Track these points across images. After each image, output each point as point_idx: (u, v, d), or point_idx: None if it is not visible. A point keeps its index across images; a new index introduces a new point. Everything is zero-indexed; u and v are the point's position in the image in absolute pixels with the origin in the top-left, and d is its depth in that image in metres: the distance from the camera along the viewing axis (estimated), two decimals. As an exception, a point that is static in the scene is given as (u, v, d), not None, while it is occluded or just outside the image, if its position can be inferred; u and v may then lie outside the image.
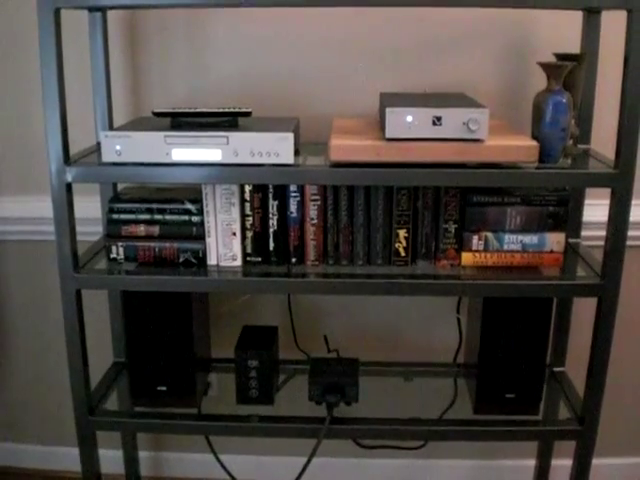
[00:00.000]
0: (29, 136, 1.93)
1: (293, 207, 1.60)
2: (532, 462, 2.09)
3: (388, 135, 1.42)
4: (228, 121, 1.56)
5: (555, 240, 1.59)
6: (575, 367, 1.86)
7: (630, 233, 1.50)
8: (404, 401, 1.81)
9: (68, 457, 2.21)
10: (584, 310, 1.86)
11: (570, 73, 1.49)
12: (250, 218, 1.61)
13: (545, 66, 1.46)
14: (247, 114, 1.54)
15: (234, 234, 1.62)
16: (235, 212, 1.60)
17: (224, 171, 1.47)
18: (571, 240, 1.77)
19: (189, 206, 1.62)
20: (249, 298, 2.02)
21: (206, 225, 1.61)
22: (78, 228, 1.55)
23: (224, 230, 1.61)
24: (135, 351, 1.73)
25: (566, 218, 1.60)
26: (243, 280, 1.59)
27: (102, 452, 1.77)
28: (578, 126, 1.65)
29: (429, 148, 1.43)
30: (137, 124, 1.61)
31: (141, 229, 1.63)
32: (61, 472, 2.24)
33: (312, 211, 1.60)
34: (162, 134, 1.46)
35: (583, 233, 1.81)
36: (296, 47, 1.83)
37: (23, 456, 2.25)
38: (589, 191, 1.79)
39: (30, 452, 2.25)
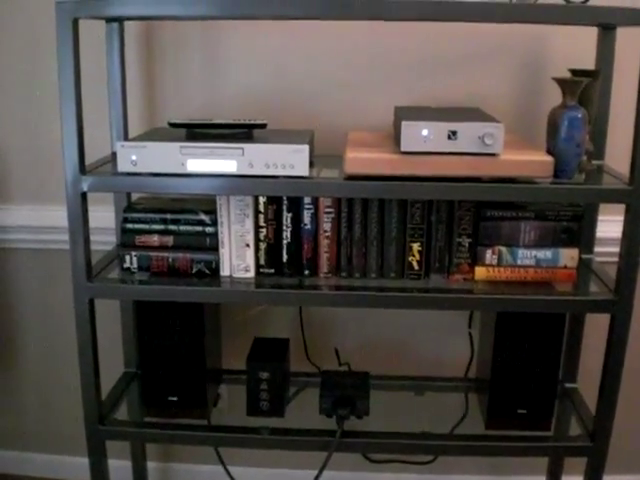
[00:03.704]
0: (45, 145, 1.94)
1: (307, 219, 1.60)
2: (542, 478, 2.08)
3: (403, 148, 1.42)
4: (243, 133, 1.56)
5: (569, 256, 1.59)
6: (587, 383, 1.85)
7: (644, 249, 1.49)
8: (415, 415, 1.81)
9: (75, 466, 2.20)
10: (597, 326, 1.85)
11: (585, 89, 1.49)
12: (264, 230, 1.61)
13: (560, 82, 1.47)
14: (262, 126, 1.55)
15: (247, 245, 1.62)
16: (249, 223, 1.61)
17: (239, 182, 1.47)
18: (584, 256, 1.76)
19: (203, 217, 1.62)
20: (261, 310, 2.02)
21: (220, 236, 1.62)
22: (92, 237, 1.56)
23: (238, 241, 1.62)
24: (147, 361, 1.73)
25: (580, 234, 1.59)
26: (256, 292, 1.59)
27: (111, 462, 1.76)
28: (592, 142, 1.65)
29: (444, 162, 1.43)
30: (153, 134, 1.62)
31: (155, 239, 1.63)
32: (69, 481, 2.25)
33: (326, 223, 1.60)
34: (178, 145, 1.47)
35: (596, 249, 1.81)
36: (311, 60, 1.84)
37: (30, 465, 2.25)
38: (602, 207, 1.79)
39: (37, 461, 2.25)
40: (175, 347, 1.71)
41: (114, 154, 1.67)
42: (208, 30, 1.83)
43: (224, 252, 1.63)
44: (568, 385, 1.90)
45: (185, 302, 1.65)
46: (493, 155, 1.42)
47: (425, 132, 1.41)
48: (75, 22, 1.39)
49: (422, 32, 1.80)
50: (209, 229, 1.62)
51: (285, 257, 1.63)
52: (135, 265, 1.64)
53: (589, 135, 1.57)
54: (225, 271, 1.64)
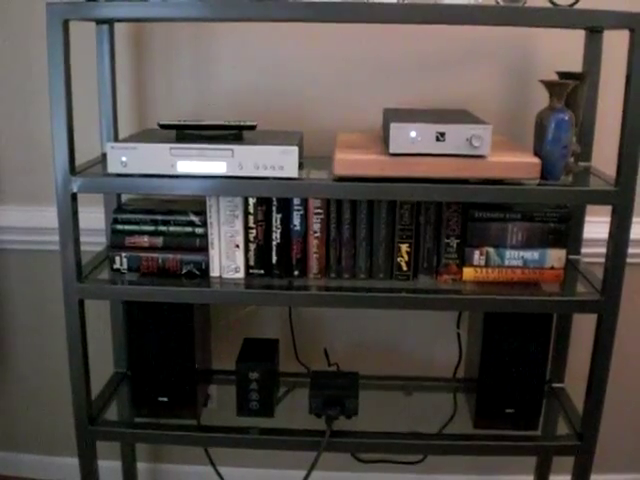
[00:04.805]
0: (35, 146, 1.94)
1: (296, 220, 1.61)
2: (530, 478, 2.09)
3: (392, 150, 1.43)
4: (233, 134, 1.57)
5: (556, 256, 1.60)
6: (574, 383, 1.86)
7: (630, 250, 1.51)
8: (404, 415, 1.82)
9: (66, 467, 2.20)
10: (584, 327, 1.86)
11: (572, 91, 1.51)
12: (253, 231, 1.62)
13: (547, 84, 1.48)
14: (252, 127, 1.55)
15: (237, 246, 1.63)
16: (239, 224, 1.61)
17: (228, 183, 1.48)
18: (571, 257, 1.77)
19: (193, 218, 1.63)
20: (251, 310, 2.03)
21: (209, 237, 1.62)
22: (82, 238, 1.56)
23: (227, 242, 1.62)
24: (136, 361, 1.74)
25: (567, 235, 1.61)
26: (245, 292, 1.59)
27: (101, 463, 1.77)
28: (579, 144, 1.66)
29: (432, 163, 1.44)
30: (143, 136, 1.63)
31: (145, 240, 1.63)
32: (59, 482, 2.25)
33: (315, 224, 1.61)
34: (168, 146, 1.47)
35: (583, 250, 1.82)
36: (301, 62, 1.84)
37: (22, 465, 2.25)
38: (590, 208, 1.80)
39: (29, 462, 2.25)
40: (165, 348, 1.71)
41: (104, 155, 1.67)
42: (198, 32, 1.84)
43: (214, 253, 1.63)
44: (555, 385, 1.91)
45: (175, 303, 1.65)
46: (481, 157, 1.43)
47: (413, 134, 1.42)
48: (65, 24, 1.40)
49: (411, 35, 1.81)
50: (199, 230, 1.63)
51: (275, 258, 1.64)
52: (125, 266, 1.64)
53: (576, 137, 1.58)
54: (215, 272, 1.64)
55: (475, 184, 1.46)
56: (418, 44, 1.82)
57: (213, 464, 1.92)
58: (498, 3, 1.43)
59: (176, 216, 1.63)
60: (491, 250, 1.61)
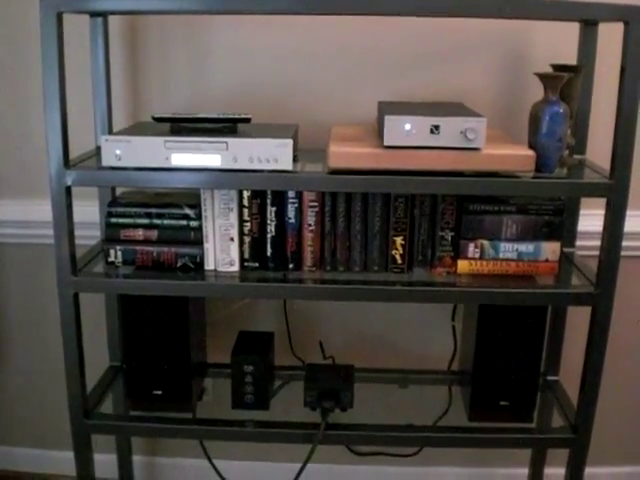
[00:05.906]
0: (29, 139, 1.94)
1: (291, 213, 1.61)
2: (525, 470, 2.09)
3: (386, 143, 1.43)
4: (227, 127, 1.57)
5: (550, 249, 1.60)
6: (569, 375, 1.86)
7: (625, 243, 1.51)
8: (399, 408, 1.82)
9: (61, 460, 2.20)
10: (578, 319, 1.86)
11: (567, 84, 1.50)
12: (248, 224, 1.62)
13: (542, 77, 1.48)
14: (246, 120, 1.55)
15: (232, 239, 1.63)
16: (233, 217, 1.61)
17: (223, 177, 1.48)
18: (566, 249, 1.78)
19: (187, 211, 1.62)
20: (246, 303, 2.03)
21: (204, 230, 1.62)
22: (76, 232, 1.56)
23: (222, 235, 1.62)
24: (131, 355, 1.74)
25: (561, 227, 1.61)
26: (240, 285, 1.60)
27: (96, 456, 1.76)
28: (574, 136, 1.66)
29: (427, 156, 1.44)
30: (137, 129, 1.62)
31: (139, 233, 1.63)
32: (55, 476, 2.24)
33: (310, 217, 1.61)
34: (162, 139, 1.47)
35: (578, 243, 1.82)
36: (296, 55, 1.84)
37: (18, 459, 2.25)
38: (584, 201, 1.80)
39: (25, 455, 2.25)
40: (160, 341, 1.72)
41: (98, 148, 1.67)
42: (193, 24, 1.84)
43: (208, 246, 1.63)
44: (550, 377, 1.91)
45: (170, 296, 1.65)
46: (475, 149, 1.43)
47: (408, 127, 1.42)
48: (59, 16, 1.39)
49: (406, 28, 1.80)
50: (193, 223, 1.63)
51: (269, 251, 1.64)
52: (120, 259, 1.64)
53: (570, 130, 1.58)
54: (209, 265, 1.64)
55: (470, 177, 1.46)
56: (413, 37, 1.82)
57: (208, 457, 1.91)
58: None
59: (171, 209, 1.63)
60: (486, 243, 1.61)
